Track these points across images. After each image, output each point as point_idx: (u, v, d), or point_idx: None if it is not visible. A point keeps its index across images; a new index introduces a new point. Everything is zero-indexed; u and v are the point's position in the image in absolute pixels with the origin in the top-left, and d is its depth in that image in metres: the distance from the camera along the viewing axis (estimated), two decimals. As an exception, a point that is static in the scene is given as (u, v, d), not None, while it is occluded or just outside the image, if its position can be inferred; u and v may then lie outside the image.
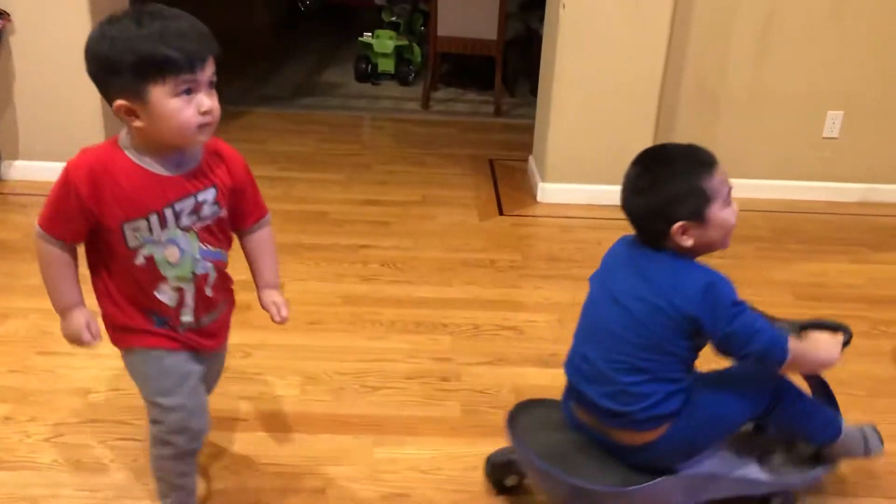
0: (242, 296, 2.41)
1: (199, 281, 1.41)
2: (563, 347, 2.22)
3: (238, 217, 1.48)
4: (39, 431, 1.82)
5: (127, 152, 1.32)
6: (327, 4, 7.28)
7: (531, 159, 3.65)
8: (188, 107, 1.27)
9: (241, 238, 1.52)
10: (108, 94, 1.27)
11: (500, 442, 1.83)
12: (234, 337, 2.20)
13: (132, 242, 1.34)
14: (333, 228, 3.00)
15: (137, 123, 1.28)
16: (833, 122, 3.39)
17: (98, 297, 1.43)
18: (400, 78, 5.19)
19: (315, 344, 2.23)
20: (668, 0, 3.05)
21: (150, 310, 1.40)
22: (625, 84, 3.16)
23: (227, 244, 1.47)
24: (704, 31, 3.24)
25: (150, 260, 1.35)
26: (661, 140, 3.33)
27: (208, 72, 1.30)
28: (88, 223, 1.32)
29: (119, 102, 1.26)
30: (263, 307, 1.55)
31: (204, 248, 1.40)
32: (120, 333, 1.44)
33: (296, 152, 3.82)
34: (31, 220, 1.47)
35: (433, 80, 4.83)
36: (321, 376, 2.07)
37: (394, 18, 5.32)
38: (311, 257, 2.74)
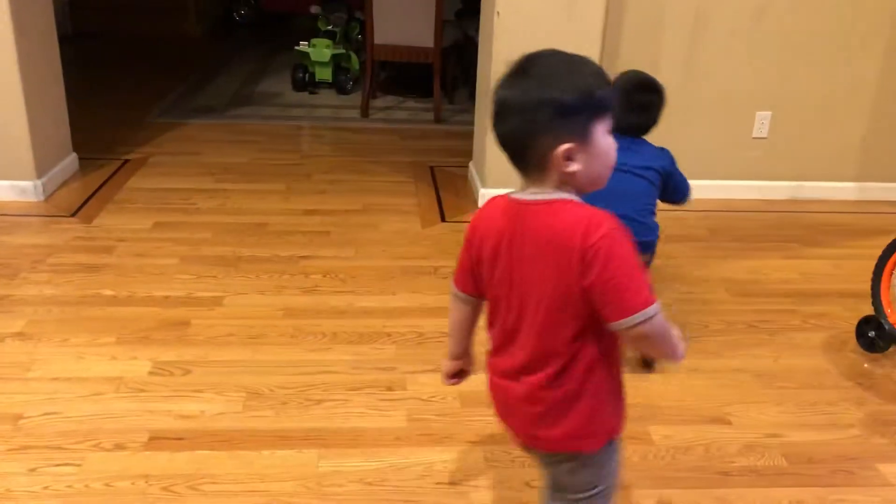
0: (180, 311, 2.38)
1: None
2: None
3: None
4: (-33, 461, 1.75)
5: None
6: (262, 13, 7.21)
7: (471, 165, 3.67)
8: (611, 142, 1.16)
9: None
10: (565, 134, 1.11)
11: (446, 450, 1.83)
12: (172, 354, 2.18)
13: None
14: (273, 240, 2.96)
15: (573, 167, 1.13)
16: (762, 123, 3.49)
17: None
18: (338, 87, 5.17)
19: (257, 358, 2.19)
20: (599, 6, 3.10)
21: None
22: (561, 89, 3.19)
23: None
24: (635, 35, 3.31)
25: None
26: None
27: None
28: None
29: (569, 146, 1.11)
30: None
31: None
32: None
33: (232, 163, 3.77)
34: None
35: (372, 88, 4.82)
36: (264, 391, 2.04)
37: (330, 27, 5.29)
38: (251, 270, 2.70)
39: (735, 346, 2.35)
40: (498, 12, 3.09)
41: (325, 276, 2.69)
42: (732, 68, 3.39)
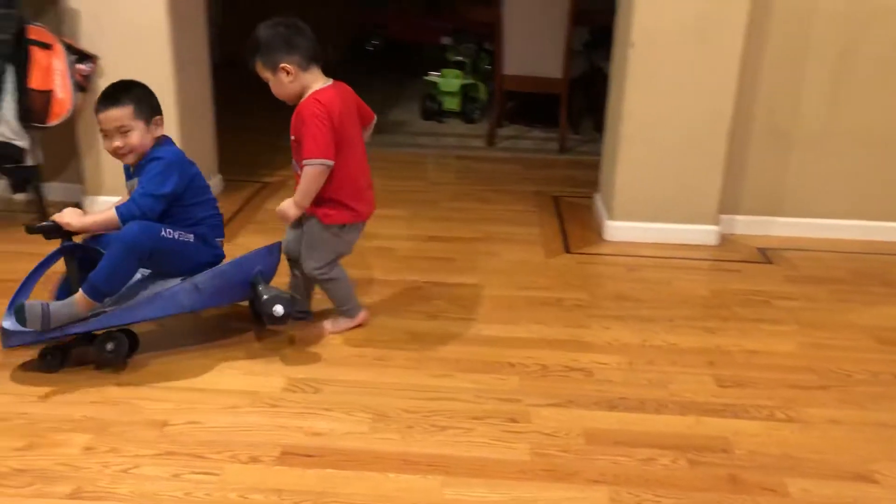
0: (312, 330, 2.46)
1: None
2: (634, 391, 2.21)
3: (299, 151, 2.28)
4: (118, 462, 1.86)
5: None
6: (393, 43, 7.41)
7: (597, 197, 3.63)
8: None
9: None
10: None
11: (571, 487, 1.81)
12: (303, 372, 2.25)
13: None
14: (398, 264, 3.02)
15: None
16: (913, 161, 3.29)
17: None
18: (465, 116, 5.24)
19: (383, 380, 2.23)
20: (738, 40, 3.02)
21: None
22: (693, 123, 3.13)
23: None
24: (776, 69, 3.19)
25: None
26: (732, 179, 3.28)
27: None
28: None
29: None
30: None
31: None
32: None
33: (363, 189, 3.87)
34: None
35: (498, 117, 4.86)
36: (390, 413, 2.07)
37: (460, 58, 5.39)
38: (378, 292, 2.77)
39: (881, 399, 2.20)
40: (632, 43, 3.06)
41: (448, 303, 2.72)
42: (881, 102, 3.22)
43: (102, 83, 3.20)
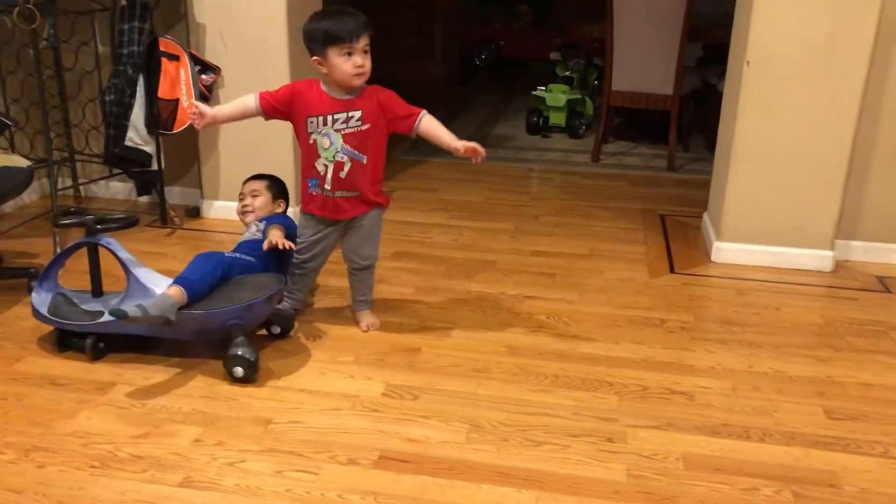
0: (413, 338, 2.51)
1: (336, 165, 2.35)
2: (737, 418, 2.14)
3: (400, 123, 2.38)
4: (224, 455, 1.95)
5: (321, 85, 2.36)
6: (502, 58, 7.46)
7: (706, 216, 3.54)
8: (347, 62, 2.26)
9: (418, 135, 2.39)
10: (311, 53, 2.31)
11: (667, 511, 1.77)
12: (402, 378, 2.29)
13: (309, 129, 2.35)
14: (500, 277, 3.04)
15: (323, 70, 2.31)
16: None
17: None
18: (571, 131, 5.22)
19: (480, 392, 2.25)
20: (864, 59, 2.89)
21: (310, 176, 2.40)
22: (811, 144, 3.02)
23: (371, 153, 2.37)
24: (903, 89, 3.04)
25: (314, 143, 2.36)
26: (850, 203, 3.14)
27: (362, 43, 2.27)
28: (282, 112, 2.38)
29: (314, 59, 2.31)
30: (462, 154, 2.40)
31: (346, 146, 2.34)
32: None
33: (466, 201, 3.92)
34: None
35: (604, 133, 4.82)
36: (485, 425, 2.09)
37: (568, 73, 5.37)
38: (479, 305, 2.79)
39: None
40: (748, 62, 2.99)
41: (549, 318, 2.71)
42: None
43: (223, 94, 3.39)
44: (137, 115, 3.33)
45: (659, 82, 4.47)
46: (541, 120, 5.25)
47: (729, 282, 3.05)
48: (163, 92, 3.27)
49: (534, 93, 5.26)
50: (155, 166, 3.42)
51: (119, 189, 3.85)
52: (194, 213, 3.63)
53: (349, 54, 2.25)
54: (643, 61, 4.47)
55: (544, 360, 2.43)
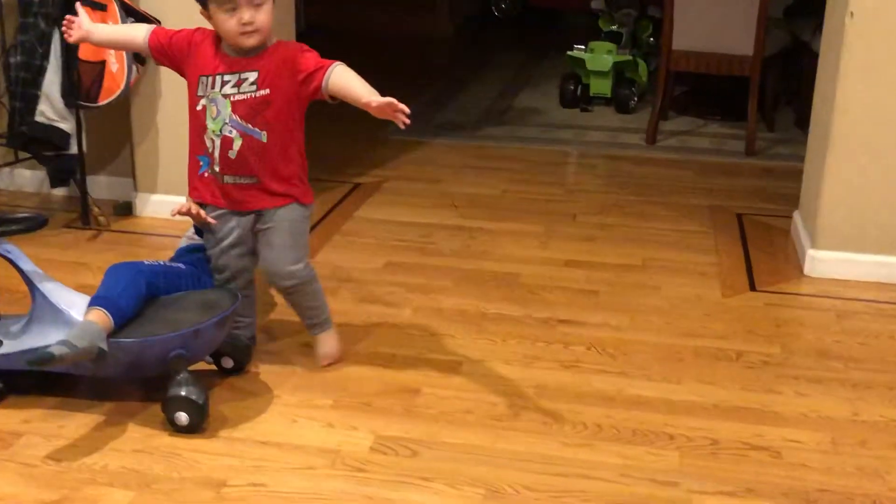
0: (409, 375, 2.52)
1: (223, 141, 2.33)
2: (838, 481, 2.15)
3: (311, 83, 2.32)
4: (163, 528, 1.96)
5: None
6: (528, 8, 7.49)
7: (796, 216, 3.56)
8: (230, 19, 2.26)
9: (329, 95, 2.32)
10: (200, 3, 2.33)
11: None
12: (396, 428, 2.30)
13: (199, 91, 2.36)
14: (525, 296, 3.05)
15: (210, 26, 2.35)
16: None
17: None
18: (618, 103, 5.24)
19: (499, 446, 2.25)
20: None
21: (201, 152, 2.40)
22: (936, 120, 3.03)
23: (274, 130, 2.33)
24: None
25: (203, 109, 2.35)
26: None
27: None
28: (173, 60, 2.43)
29: (201, 11, 2.34)
30: (380, 116, 2.25)
31: (234, 116, 2.31)
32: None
33: (480, 195, 3.94)
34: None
35: (663, 106, 4.83)
36: (506, 490, 2.09)
37: (614, 27, 5.39)
38: (497, 332, 2.80)
39: None
40: (851, 12, 3.00)
41: (589, 349, 2.72)
42: None
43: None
44: (52, 81, 3.35)
45: (734, 40, 4.48)
46: (579, 88, 5.27)
47: (828, 302, 3.06)
48: (84, 52, 3.29)
49: (569, 53, 5.28)
50: (74, 149, 3.43)
51: (26, 179, 3.87)
52: (125, 210, 3.65)
53: (232, 9, 2.25)
54: (715, 13, 4.49)
55: (583, 405, 2.43)
